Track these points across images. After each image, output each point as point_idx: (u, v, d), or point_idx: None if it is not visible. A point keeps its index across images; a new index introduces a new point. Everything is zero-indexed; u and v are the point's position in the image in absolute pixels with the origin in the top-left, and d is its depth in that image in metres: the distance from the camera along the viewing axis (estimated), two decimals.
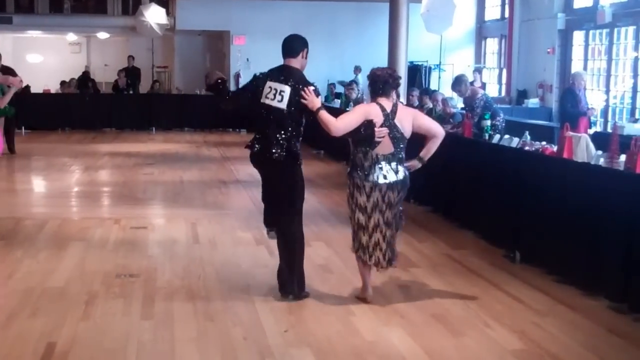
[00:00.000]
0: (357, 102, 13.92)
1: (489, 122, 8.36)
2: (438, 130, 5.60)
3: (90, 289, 5.86)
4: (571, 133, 7.28)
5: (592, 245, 5.78)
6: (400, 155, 5.48)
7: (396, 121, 5.42)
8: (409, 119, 5.48)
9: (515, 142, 7.62)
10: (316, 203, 9.81)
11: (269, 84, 5.57)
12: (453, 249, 7.32)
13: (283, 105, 5.46)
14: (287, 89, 5.47)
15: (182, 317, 5.26)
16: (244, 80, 21.11)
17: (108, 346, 4.75)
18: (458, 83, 9.55)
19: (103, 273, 6.29)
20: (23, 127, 17.74)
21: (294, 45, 5.64)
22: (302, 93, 5.40)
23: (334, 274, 6.45)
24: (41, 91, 19.83)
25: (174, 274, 6.33)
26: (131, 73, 20.65)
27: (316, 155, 15.12)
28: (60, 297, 5.67)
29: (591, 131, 13.35)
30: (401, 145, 5.46)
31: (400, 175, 5.46)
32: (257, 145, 5.66)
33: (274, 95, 5.49)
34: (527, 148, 7.22)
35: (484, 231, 7.63)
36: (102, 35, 23.15)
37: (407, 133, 5.48)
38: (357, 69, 17.97)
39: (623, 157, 5.89)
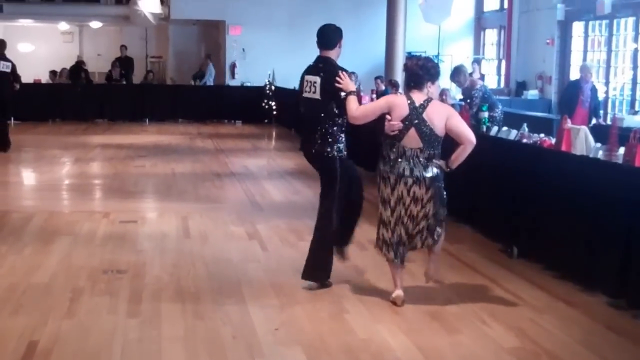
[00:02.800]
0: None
1: (486, 114, 8.21)
2: (467, 138, 5.18)
3: (75, 285, 5.70)
4: (570, 125, 7.15)
5: (590, 240, 5.65)
6: (431, 152, 5.19)
7: (425, 116, 5.17)
8: (441, 117, 5.17)
9: (513, 134, 7.48)
10: (310, 196, 9.58)
11: (306, 77, 5.66)
12: (450, 243, 7.13)
13: (317, 95, 5.51)
14: (318, 80, 5.52)
15: (169, 315, 5.11)
16: (239, 71, 20.99)
17: (92, 345, 4.60)
18: (457, 73, 9.40)
19: (89, 269, 6.13)
20: (12, 118, 17.49)
21: (330, 37, 5.70)
22: (337, 78, 5.41)
23: None
24: (31, 81, 19.61)
25: (163, 269, 6.17)
26: (124, 63, 20.45)
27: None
28: (44, 294, 5.51)
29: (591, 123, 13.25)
30: (431, 141, 5.18)
31: (429, 172, 5.19)
32: (303, 142, 5.78)
33: (309, 87, 5.57)
34: (525, 140, 7.07)
35: (481, 225, 7.49)
36: (95, 24, 22.90)
37: (439, 130, 5.18)
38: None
39: (622, 150, 5.74)
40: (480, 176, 7.42)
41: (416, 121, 5.17)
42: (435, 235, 5.35)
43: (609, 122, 12.84)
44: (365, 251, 6.86)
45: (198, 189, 10.04)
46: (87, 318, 5.04)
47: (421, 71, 5.28)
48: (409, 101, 5.22)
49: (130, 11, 19.65)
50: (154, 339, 4.70)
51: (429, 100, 5.24)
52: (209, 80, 20.91)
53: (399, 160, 5.24)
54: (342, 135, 5.66)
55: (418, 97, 5.24)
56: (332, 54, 5.64)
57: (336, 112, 5.53)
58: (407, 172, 5.21)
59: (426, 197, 5.23)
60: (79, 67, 20.85)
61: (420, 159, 5.19)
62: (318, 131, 5.57)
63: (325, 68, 5.57)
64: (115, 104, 19.45)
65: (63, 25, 23.91)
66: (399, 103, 5.25)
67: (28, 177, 11.70)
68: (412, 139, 5.19)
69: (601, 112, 15.62)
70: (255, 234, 7.45)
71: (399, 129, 5.18)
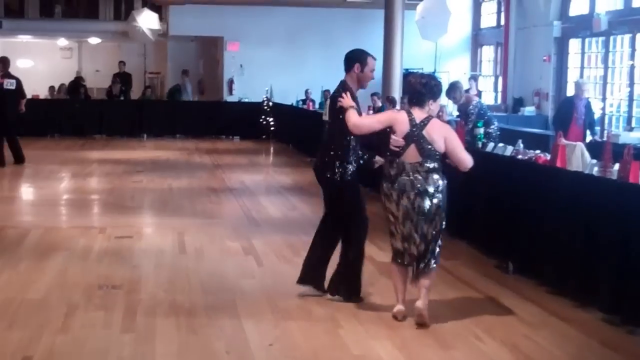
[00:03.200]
0: None
1: (481, 130, 8.24)
2: (464, 165, 5.29)
3: (70, 300, 5.70)
4: (565, 141, 7.17)
5: (585, 256, 5.65)
6: (432, 166, 5.20)
7: (424, 133, 5.21)
8: (439, 135, 5.22)
9: (509, 150, 7.49)
10: (307, 212, 9.68)
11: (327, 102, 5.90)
12: (445, 259, 7.10)
13: (327, 117, 5.80)
14: (328, 102, 5.75)
15: (164, 330, 5.10)
16: (237, 86, 21.07)
17: None
18: (453, 90, 9.44)
19: (84, 284, 6.12)
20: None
21: (347, 60, 5.83)
22: (340, 98, 5.53)
23: None
24: (30, 97, 19.64)
25: (157, 285, 6.17)
26: (122, 79, 20.50)
27: (309, 163, 14.96)
28: (39, 309, 5.50)
29: (587, 139, 13.28)
30: (431, 156, 5.20)
31: (430, 185, 5.19)
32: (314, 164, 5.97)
33: (325, 110, 5.83)
34: (520, 157, 7.08)
35: (476, 241, 7.49)
36: (94, 40, 23.00)
37: (439, 148, 5.22)
38: (327, 92, 17.76)
39: (617, 166, 5.76)
40: (475, 192, 7.44)
41: (416, 138, 5.20)
42: (436, 255, 5.35)
43: (605, 138, 12.88)
44: None
45: (195, 205, 10.04)
46: (81, 333, 5.04)
47: (424, 89, 5.32)
48: (409, 117, 5.26)
49: (128, 27, 19.74)
50: (148, 354, 4.69)
51: (429, 117, 5.28)
52: (186, 96, 20.91)
53: (399, 176, 5.25)
54: (351, 158, 5.68)
55: (418, 114, 5.27)
56: (347, 77, 5.76)
57: (342, 132, 5.58)
58: (408, 187, 5.22)
59: (430, 209, 5.21)
60: (77, 83, 20.92)
61: (420, 173, 5.21)
62: (327, 154, 5.69)
63: (335, 90, 5.73)
64: (114, 120, 19.49)
65: (62, 41, 24.01)
66: (400, 119, 5.30)
67: (25, 192, 11.71)
68: (411, 155, 5.22)
69: (597, 128, 15.70)
70: (251, 250, 7.45)
71: (402, 145, 5.21)
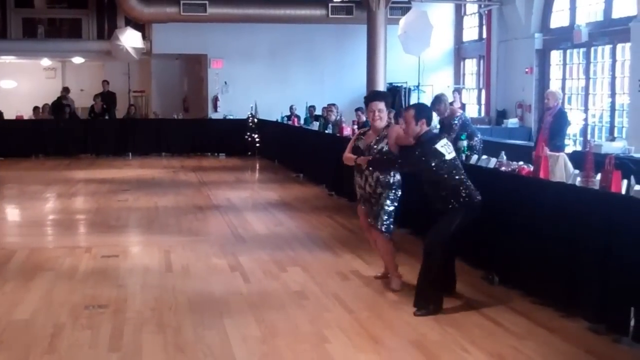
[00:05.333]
0: (336, 124, 13.87)
1: (465, 143, 8.29)
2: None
3: (56, 321, 5.68)
4: (549, 152, 7.24)
5: (569, 266, 5.69)
6: None
7: None
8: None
9: (492, 162, 7.54)
10: (294, 227, 9.69)
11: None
12: None
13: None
14: None
15: (151, 349, 5.09)
16: (222, 104, 21.10)
17: None
18: (438, 102, 9.45)
19: (71, 304, 6.10)
20: None
21: None
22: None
23: (309, 300, 6.30)
24: (14, 117, 19.61)
25: (144, 303, 6.15)
26: (106, 98, 20.49)
27: (295, 179, 15.01)
28: (25, 330, 5.48)
29: (570, 150, 13.36)
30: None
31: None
32: None
33: None
34: (503, 168, 7.13)
35: (462, 253, 7.49)
36: (77, 60, 22.98)
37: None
38: (312, 108, 17.82)
39: (599, 176, 5.81)
40: None
41: None
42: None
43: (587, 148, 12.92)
44: (347, 281, 6.89)
45: (181, 222, 10.03)
46: (68, 353, 5.02)
47: None
48: None
49: (112, 46, 19.73)
50: None
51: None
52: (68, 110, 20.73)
53: None
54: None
55: None
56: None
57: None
58: None
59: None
60: (60, 102, 20.87)
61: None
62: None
63: None
64: (99, 139, 19.46)
65: (45, 61, 23.97)
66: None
67: (10, 213, 11.63)
68: None
69: (576, 139, 15.82)
70: (237, 266, 7.45)
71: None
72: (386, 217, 6.49)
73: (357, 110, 14.64)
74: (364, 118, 13.95)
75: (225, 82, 21.12)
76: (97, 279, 6.96)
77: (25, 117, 20.21)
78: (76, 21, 22.01)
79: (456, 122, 9.54)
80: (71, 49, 21.88)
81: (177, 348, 5.10)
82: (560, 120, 10.88)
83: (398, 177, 6.50)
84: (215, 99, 21.32)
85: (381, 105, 6.55)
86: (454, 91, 18.11)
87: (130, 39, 19.48)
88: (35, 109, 20.39)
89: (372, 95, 6.87)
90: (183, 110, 22.84)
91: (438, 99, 9.55)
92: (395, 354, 5.01)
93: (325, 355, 4.97)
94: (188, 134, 20.01)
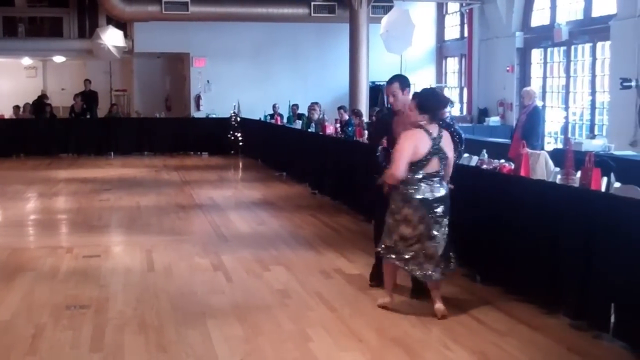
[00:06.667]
0: (319, 122, 13.88)
1: None
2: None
3: (38, 321, 5.64)
4: (529, 150, 7.29)
5: (550, 264, 5.73)
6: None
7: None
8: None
9: (474, 160, 7.58)
10: (277, 226, 9.69)
11: None
12: None
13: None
14: None
15: (133, 349, 5.07)
16: (205, 102, 21.03)
17: None
18: None
19: (52, 305, 6.07)
20: None
21: None
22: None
23: (292, 298, 6.30)
24: None
25: (126, 303, 6.13)
26: (88, 97, 20.36)
27: (278, 177, 15.00)
28: (5, 331, 5.44)
29: (550, 147, 13.47)
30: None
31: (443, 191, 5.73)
32: None
33: None
34: (484, 166, 7.17)
35: None
36: (59, 58, 22.82)
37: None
38: (295, 107, 17.75)
39: (579, 174, 5.86)
40: None
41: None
42: (452, 260, 5.82)
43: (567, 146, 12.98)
44: (331, 279, 6.90)
45: (163, 222, 9.99)
46: (49, 354, 4.99)
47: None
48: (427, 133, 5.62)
49: (93, 45, 19.61)
50: None
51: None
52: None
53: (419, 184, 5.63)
54: None
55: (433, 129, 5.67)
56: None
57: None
58: (427, 195, 5.64)
59: (442, 213, 5.72)
60: (42, 102, 20.73)
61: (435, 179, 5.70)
62: None
63: None
64: (80, 138, 19.35)
65: (26, 60, 23.79)
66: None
67: None
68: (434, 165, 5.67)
69: (559, 137, 15.93)
70: (220, 266, 7.43)
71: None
72: None
73: (339, 109, 14.67)
74: (346, 117, 14.00)
75: (208, 81, 21.06)
76: (79, 279, 6.92)
77: (6, 117, 20.05)
78: (57, 20, 21.86)
79: (448, 121, 9.51)
80: (52, 48, 21.73)
81: (159, 348, 5.09)
82: (533, 119, 10.96)
83: None
84: (198, 98, 21.26)
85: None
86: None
87: (111, 38, 19.38)
88: (16, 108, 20.23)
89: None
90: (165, 109, 22.75)
91: None
92: (378, 352, 5.02)
93: (309, 354, 4.97)
94: (170, 133, 19.93)
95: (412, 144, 5.60)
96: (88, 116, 20.11)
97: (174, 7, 19.13)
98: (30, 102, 20.66)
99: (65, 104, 21.88)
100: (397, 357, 4.92)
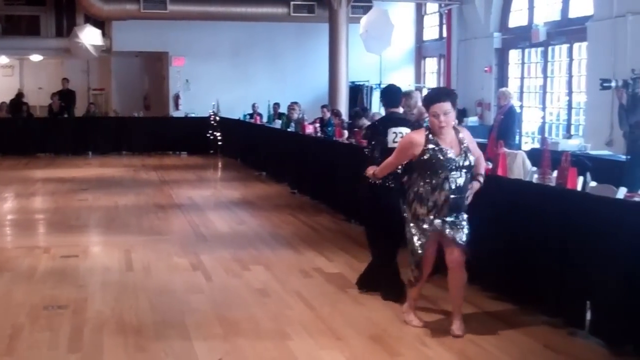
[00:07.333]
0: (298, 122, 13.89)
1: None
2: None
3: (15, 322, 5.60)
4: (506, 150, 7.34)
5: (526, 261, 5.79)
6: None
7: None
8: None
9: None
10: (256, 225, 9.69)
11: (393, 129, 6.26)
12: None
13: None
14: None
15: (111, 349, 5.06)
16: (183, 102, 20.93)
17: None
18: (408, 97, 9.38)
19: (29, 305, 6.03)
20: None
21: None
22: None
23: (271, 297, 6.32)
24: None
25: (104, 304, 6.11)
26: (65, 96, 20.21)
27: (258, 177, 14.99)
28: None
29: (528, 147, 13.57)
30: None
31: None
32: None
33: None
34: None
35: None
36: (36, 57, 22.61)
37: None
38: (277, 105, 17.72)
39: (556, 173, 5.92)
40: None
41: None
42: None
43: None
44: (310, 278, 6.92)
45: (141, 222, 9.95)
46: (27, 355, 4.96)
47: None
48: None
49: (71, 44, 19.46)
50: None
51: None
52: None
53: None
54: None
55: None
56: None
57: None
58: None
59: None
60: (19, 100, 20.53)
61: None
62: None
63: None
64: (58, 138, 19.19)
65: (3, 59, 23.52)
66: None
67: None
68: None
69: (536, 137, 16.06)
70: (199, 265, 7.42)
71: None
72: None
73: (322, 107, 14.71)
74: (328, 115, 14.03)
75: (187, 80, 20.97)
76: (57, 279, 6.88)
77: None
78: (34, 18, 21.65)
79: (425, 123, 9.54)
80: (29, 47, 21.52)
81: (138, 348, 5.07)
82: (509, 119, 11.10)
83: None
84: (177, 97, 21.17)
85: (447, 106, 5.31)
86: (415, 90, 18.22)
87: (89, 37, 19.24)
88: None
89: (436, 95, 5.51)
90: (144, 109, 22.62)
91: (408, 95, 9.51)
92: (356, 350, 5.04)
93: (287, 352, 4.99)
94: (149, 132, 19.84)
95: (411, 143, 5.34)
96: (66, 115, 19.96)
97: (153, 5, 19.03)
98: (7, 101, 20.46)
99: (42, 103, 21.69)
100: (376, 355, 4.95)
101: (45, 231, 9.82)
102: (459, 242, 5.25)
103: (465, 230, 5.28)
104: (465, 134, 5.41)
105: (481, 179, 5.44)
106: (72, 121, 19.96)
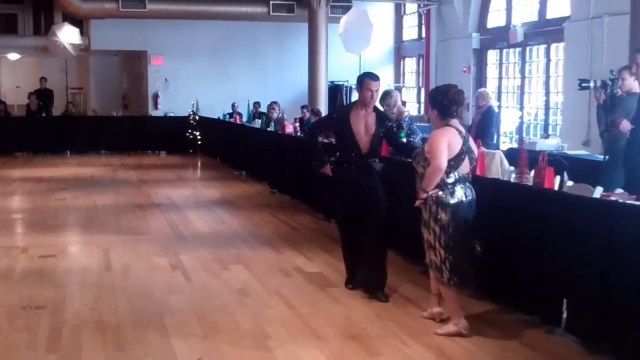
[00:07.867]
0: (278, 121, 13.90)
1: (404, 140, 8.38)
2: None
3: None
4: (484, 149, 7.40)
5: (504, 260, 5.84)
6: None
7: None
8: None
9: None
10: (236, 225, 9.68)
11: None
12: None
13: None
14: None
15: (90, 349, 5.04)
16: (162, 101, 20.84)
17: None
18: (387, 97, 9.44)
19: (7, 306, 5.99)
20: None
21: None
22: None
23: (251, 297, 6.32)
24: None
25: (83, 304, 6.08)
26: (43, 95, 20.05)
27: (237, 176, 14.97)
28: None
29: (505, 147, 13.67)
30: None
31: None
32: None
33: None
34: None
35: (401, 248, 7.63)
36: (13, 56, 22.41)
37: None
38: (257, 104, 17.67)
39: (533, 173, 5.98)
40: (399, 200, 7.59)
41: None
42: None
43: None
44: (290, 278, 6.94)
45: (120, 221, 9.91)
46: (4, 355, 4.93)
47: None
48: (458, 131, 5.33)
49: (49, 42, 19.29)
50: None
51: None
52: None
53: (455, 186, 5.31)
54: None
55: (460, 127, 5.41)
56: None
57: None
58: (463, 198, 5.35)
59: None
60: None
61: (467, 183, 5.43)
62: None
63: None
64: (35, 137, 19.05)
65: None
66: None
67: None
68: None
69: (514, 137, 16.17)
70: (178, 265, 7.41)
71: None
72: None
73: (302, 107, 14.72)
74: (307, 115, 14.04)
75: (166, 79, 20.89)
76: (35, 279, 6.84)
77: None
78: (11, 16, 21.41)
79: (406, 121, 9.62)
80: (6, 45, 21.31)
81: (116, 347, 5.06)
82: (487, 119, 11.22)
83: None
84: (156, 96, 21.07)
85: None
86: (394, 89, 18.29)
87: (67, 35, 19.08)
88: None
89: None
90: (122, 108, 22.51)
91: (388, 94, 9.56)
92: (336, 349, 5.06)
93: (267, 352, 5.00)
94: (128, 131, 19.75)
95: (446, 140, 5.29)
96: (44, 115, 19.81)
97: (131, 4, 18.94)
98: None
99: (20, 102, 21.51)
100: (355, 354, 4.97)
101: (23, 231, 9.75)
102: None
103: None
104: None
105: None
106: (50, 120, 19.83)
